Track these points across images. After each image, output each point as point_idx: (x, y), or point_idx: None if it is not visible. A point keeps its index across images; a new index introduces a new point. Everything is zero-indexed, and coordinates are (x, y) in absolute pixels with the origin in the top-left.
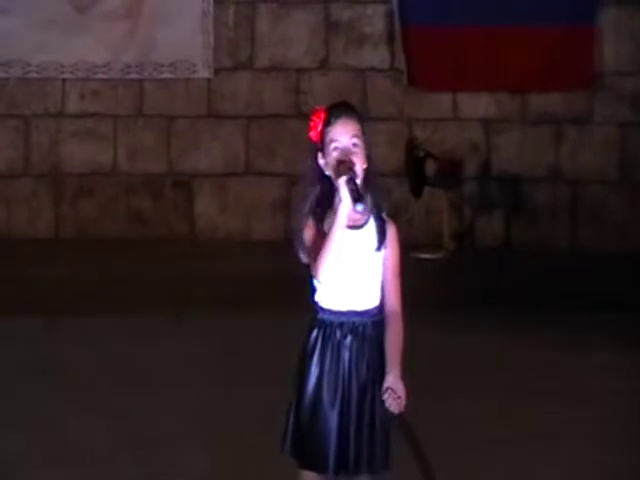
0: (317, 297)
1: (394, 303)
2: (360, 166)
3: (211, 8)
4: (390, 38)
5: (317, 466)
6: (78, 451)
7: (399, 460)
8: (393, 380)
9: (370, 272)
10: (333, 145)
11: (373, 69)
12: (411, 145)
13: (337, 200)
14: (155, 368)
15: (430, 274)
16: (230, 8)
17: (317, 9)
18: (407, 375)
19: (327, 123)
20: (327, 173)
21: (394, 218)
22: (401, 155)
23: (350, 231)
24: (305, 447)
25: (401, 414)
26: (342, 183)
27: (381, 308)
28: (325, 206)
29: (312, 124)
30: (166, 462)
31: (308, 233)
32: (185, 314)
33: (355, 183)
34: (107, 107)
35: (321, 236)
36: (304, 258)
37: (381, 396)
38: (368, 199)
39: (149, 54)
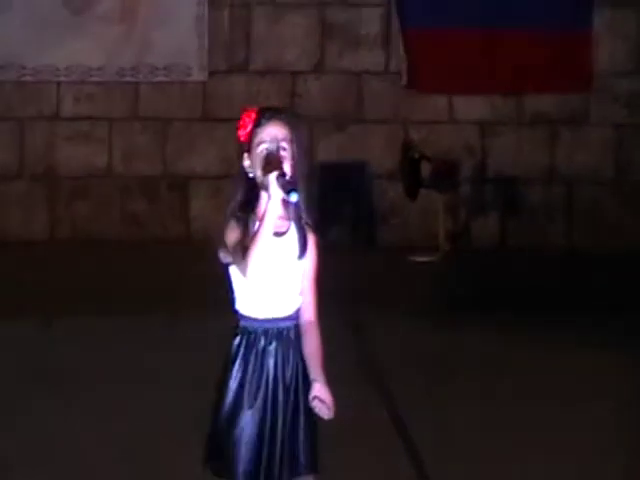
0: (238, 305)
1: (310, 312)
2: (288, 170)
3: (206, 11)
4: (385, 41)
5: (230, 474)
6: (76, 453)
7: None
8: (320, 387)
9: (292, 279)
10: (262, 146)
11: (368, 72)
12: (406, 147)
13: (266, 199)
14: (152, 370)
15: (426, 276)
16: (225, 11)
17: (312, 12)
18: (402, 378)
19: (257, 124)
20: (251, 175)
21: (313, 228)
22: (396, 157)
23: (274, 238)
24: (221, 454)
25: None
26: (272, 179)
27: (299, 313)
28: (249, 208)
29: (242, 123)
30: (165, 463)
31: (231, 233)
32: (180, 315)
33: (286, 179)
34: (102, 110)
35: (247, 237)
36: (224, 258)
37: (309, 401)
38: (298, 189)
39: (144, 57)
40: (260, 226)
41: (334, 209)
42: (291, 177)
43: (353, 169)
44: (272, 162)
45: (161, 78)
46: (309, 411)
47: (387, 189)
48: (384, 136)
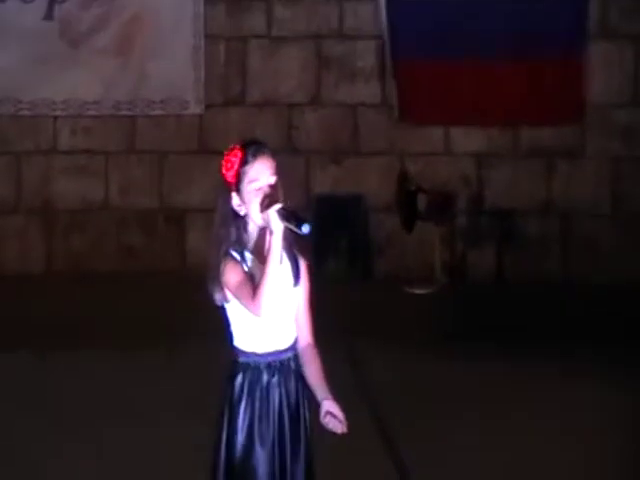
0: (237, 342)
1: (308, 335)
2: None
3: (202, 44)
4: (381, 73)
5: None
6: None
7: None
8: (330, 404)
9: (289, 309)
10: (253, 185)
11: (364, 104)
12: (403, 179)
13: (261, 237)
14: (149, 402)
15: (423, 308)
16: (221, 44)
17: (308, 44)
18: (398, 409)
19: (244, 162)
20: (242, 213)
21: (303, 253)
22: (393, 189)
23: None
24: None
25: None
26: (274, 214)
27: (297, 342)
28: (242, 246)
29: (228, 164)
30: None
31: (233, 273)
32: (178, 348)
33: (288, 210)
34: (99, 143)
35: (249, 275)
36: (220, 301)
37: (310, 424)
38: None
39: (141, 90)
40: (267, 263)
41: (330, 241)
42: (290, 207)
43: (349, 201)
44: (270, 197)
45: (158, 111)
46: (308, 439)
47: (383, 221)
48: (380, 168)
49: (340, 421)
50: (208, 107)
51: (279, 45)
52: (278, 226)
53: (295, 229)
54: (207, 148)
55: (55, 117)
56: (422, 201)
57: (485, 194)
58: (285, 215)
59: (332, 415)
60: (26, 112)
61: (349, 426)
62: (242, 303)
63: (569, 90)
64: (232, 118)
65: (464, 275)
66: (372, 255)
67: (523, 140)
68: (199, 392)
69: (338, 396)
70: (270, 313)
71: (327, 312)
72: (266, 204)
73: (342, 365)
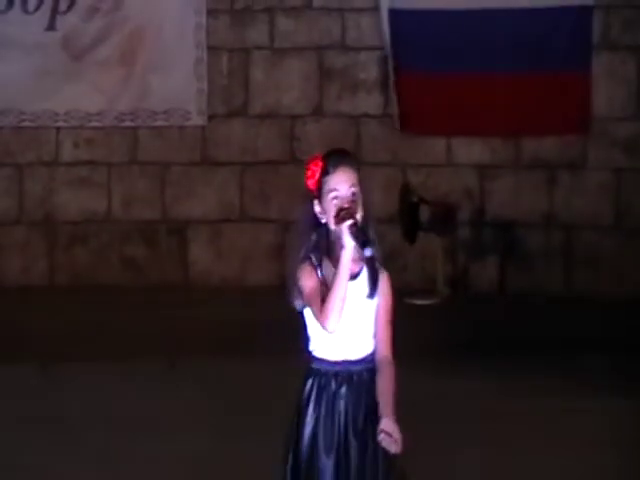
0: (311, 346)
1: (386, 350)
2: (360, 215)
3: (205, 55)
4: (384, 84)
5: None
6: None
7: None
8: (387, 422)
9: (364, 321)
10: (332, 194)
11: (367, 115)
12: (405, 190)
13: (338, 247)
14: (151, 416)
15: (424, 320)
16: (224, 55)
17: (311, 56)
18: (403, 422)
19: (325, 172)
20: (323, 221)
21: (386, 266)
22: (395, 200)
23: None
24: None
25: (397, 455)
26: (345, 229)
27: (374, 355)
28: (321, 253)
29: (309, 173)
30: None
31: (308, 280)
32: (180, 361)
33: (359, 228)
34: (101, 155)
35: (320, 283)
36: (299, 306)
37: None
38: (374, 242)
39: (143, 102)
40: (336, 278)
41: None
42: (363, 226)
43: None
44: (343, 213)
45: (160, 123)
46: (386, 455)
47: (385, 232)
48: (382, 179)
49: (395, 441)
50: (211, 118)
51: (282, 56)
52: (349, 242)
53: (359, 250)
54: (210, 159)
55: (57, 129)
56: (424, 213)
57: (487, 206)
58: (354, 232)
59: (387, 434)
60: (28, 124)
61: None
62: (312, 312)
63: (573, 101)
64: (235, 129)
65: (466, 287)
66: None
67: (525, 152)
68: (200, 406)
69: None
70: (339, 328)
71: None
72: (340, 218)
73: None
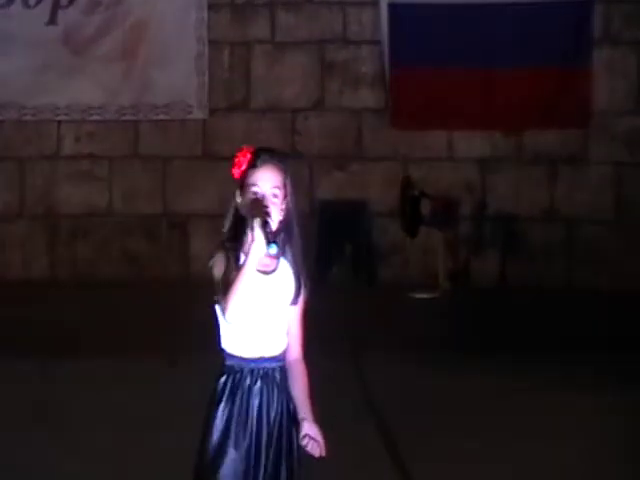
0: (224, 344)
1: (297, 350)
2: (276, 217)
3: (206, 50)
4: (384, 79)
5: None
6: None
7: None
8: (309, 426)
9: (280, 319)
10: (253, 189)
11: (368, 109)
12: (406, 185)
13: (249, 239)
14: (150, 412)
15: (426, 314)
16: (225, 49)
17: (312, 50)
18: (402, 416)
19: (252, 165)
20: (241, 212)
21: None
22: (396, 195)
23: (260, 276)
24: None
25: (322, 458)
26: (256, 224)
27: (285, 354)
28: (238, 244)
29: (236, 162)
30: None
31: (218, 266)
32: (181, 356)
33: (269, 225)
34: (102, 149)
35: (232, 273)
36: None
37: (297, 441)
38: (280, 241)
39: (144, 95)
40: (241, 268)
41: (334, 247)
42: (276, 227)
43: (353, 207)
44: (257, 207)
45: (161, 116)
46: (290, 454)
47: (387, 227)
48: (384, 174)
49: (319, 445)
50: (212, 112)
51: (283, 51)
52: (259, 236)
53: (265, 247)
54: (211, 153)
55: (59, 122)
56: (426, 207)
57: (488, 200)
58: (262, 227)
59: (310, 437)
60: (30, 118)
61: (323, 443)
62: (217, 301)
63: (574, 95)
64: (236, 123)
65: (467, 281)
66: (376, 261)
67: (526, 146)
68: (201, 400)
69: (341, 402)
70: (238, 318)
71: (331, 317)
72: (253, 211)
73: (345, 371)
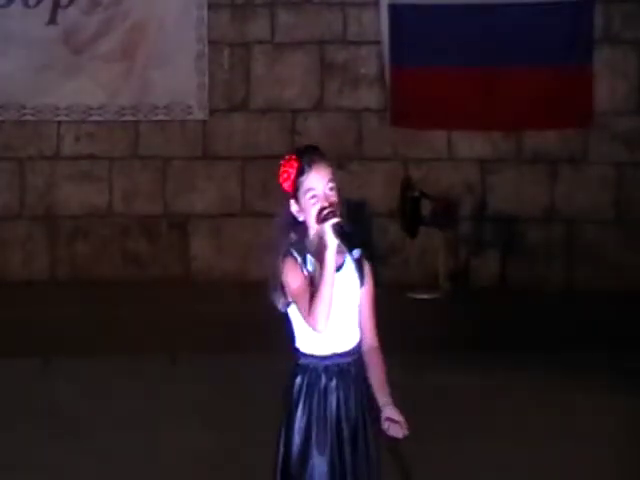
0: (298, 343)
1: (372, 338)
2: (338, 206)
3: (206, 50)
4: (384, 79)
5: None
6: None
7: None
8: (390, 410)
9: (350, 312)
10: (311, 193)
11: (368, 109)
12: (406, 185)
13: (321, 246)
14: (151, 411)
15: (426, 314)
16: (225, 50)
17: (312, 50)
18: (404, 415)
19: (301, 172)
20: (301, 219)
21: (365, 255)
22: (396, 195)
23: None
24: None
25: (399, 440)
26: (329, 228)
27: (360, 345)
28: (302, 250)
29: (285, 175)
30: None
31: (294, 276)
32: (181, 356)
33: (344, 230)
34: (102, 149)
35: (305, 279)
36: (282, 304)
37: (374, 433)
38: (358, 241)
39: (144, 96)
40: (322, 278)
41: None
42: (344, 224)
43: (353, 207)
44: (326, 212)
45: (161, 117)
46: (373, 447)
47: (387, 227)
48: (384, 174)
49: (401, 426)
50: (212, 113)
51: (283, 51)
52: (332, 241)
53: (346, 250)
54: (211, 154)
55: (59, 123)
56: (425, 207)
57: (488, 200)
58: (339, 232)
59: (392, 421)
60: (30, 118)
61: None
62: (299, 312)
63: (575, 95)
64: (236, 124)
65: (467, 281)
66: (375, 261)
67: (526, 146)
68: (202, 400)
69: None
70: (327, 328)
71: None
72: (322, 217)
73: None
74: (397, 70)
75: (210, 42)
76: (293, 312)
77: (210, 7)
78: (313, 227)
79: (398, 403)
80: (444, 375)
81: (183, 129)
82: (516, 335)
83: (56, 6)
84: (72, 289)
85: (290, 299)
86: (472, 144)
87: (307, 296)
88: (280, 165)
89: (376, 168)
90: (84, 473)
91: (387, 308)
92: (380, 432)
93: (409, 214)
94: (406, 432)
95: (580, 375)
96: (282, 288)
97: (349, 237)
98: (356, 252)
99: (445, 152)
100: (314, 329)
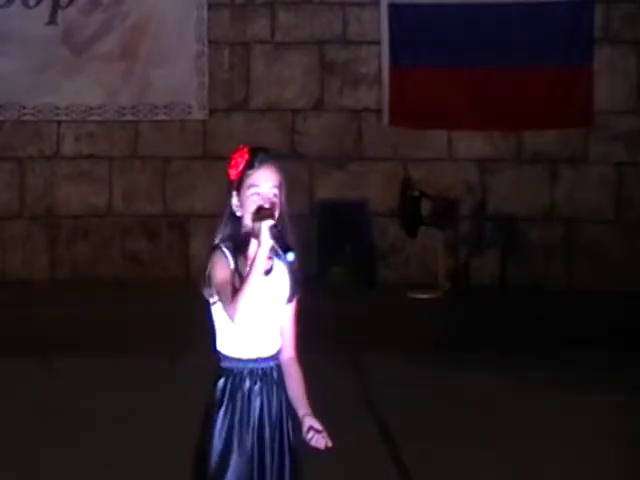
0: (220, 346)
1: (291, 348)
2: (276, 217)
3: (206, 50)
4: (385, 79)
5: None
6: None
7: None
8: (311, 420)
9: (276, 318)
10: (252, 190)
11: (368, 109)
12: (406, 185)
13: (252, 243)
14: (152, 410)
15: (425, 314)
16: (225, 49)
17: (312, 50)
18: (401, 416)
19: (250, 166)
20: (238, 214)
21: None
22: (396, 195)
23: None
24: None
25: (329, 448)
26: (265, 228)
27: (280, 351)
28: (235, 245)
29: (233, 162)
30: None
31: (220, 269)
32: (180, 355)
33: (280, 232)
34: (102, 149)
35: (232, 273)
36: (208, 294)
37: (294, 436)
38: (294, 246)
39: (144, 96)
40: (250, 272)
41: (334, 247)
42: (282, 227)
43: (353, 207)
44: (264, 211)
45: (161, 117)
46: (294, 451)
47: (387, 227)
48: (384, 174)
49: (323, 436)
50: (212, 112)
51: (283, 51)
52: (267, 241)
53: (280, 252)
54: (211, 153)
55: (59, 123)
56: (425, 207)
57: (488, 200)
58: (275, 235)
59: (314, 430)
60: (30, 118)
61: (332, 438)
62: (221, 302)
63: (575, 95)
64: (236, 123)
65: (467, 281)
66: (376, 261)
67: (526, 146)
68: (201, 399)
69: (341, 402)
70: (246, 321)
71: (330, 317)
72: (259, 216)
73: (345, 371)
74: (397, 70)
75: (210, 42)
76: (217, 312)
77: (210, 7)
78: (247, 224)
79: (398, 403)
80: (443, 375)
81: (183, 129)
82: (516, 335)
83: (56, 6)
84: (72, 289)
85: (215, 291)
86: (472, 144)
87: (230, 288)
88: (232, 153)
89: (376, 168)
90: (84, 473)
91: (387, 308)
92: (302, 442)
93: (409, 214)
94: (329, 443)
95: (580, 375)
96: (209, 279)
97: (283, 240)
98: (290, 256)
99: (445, 152)
100: (232, 319)
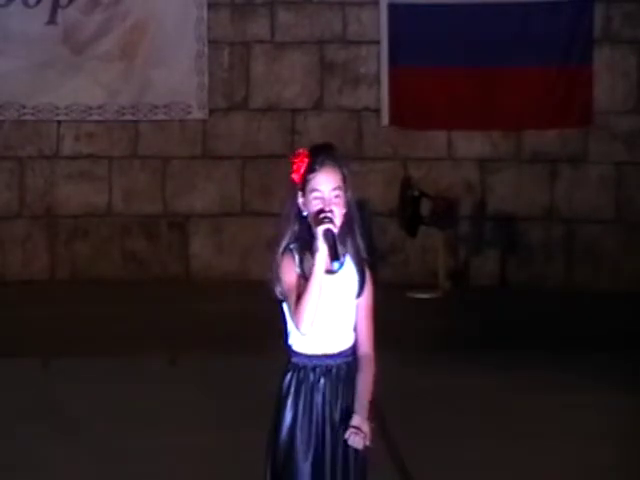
0: (290, 341)
1: (367, 345)
2: (339, 214)
3: (206, 49)
4: (385, 78)
5: None
6: None
7: None
8: (359, 420)
9: (345, 316)
10: (314, 194)
11: (368, 109)
12: (406, 184)
13: (315, 244)
14: (151, 410)
15: (426, 314)
16: (225, 49)
17: (312, 50)
18: (400, 415)
19: (310, 170)
20: (305, 213)
21: (367, 261)
22: (396, 194)
23: (325, 276)
24: None
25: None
26: (320, 234)
27: (354, 349)
28: (302, 245)
29: (295, 167)
30: None
31: (287, 273)
32: (181, 355)
33: (333, 238)
34: (102, 149)
35: (298, 277)
36: (279, 295)
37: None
38: (344, 253)
39: (144, 95)
40: (310, 282)
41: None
42: (345, 217)
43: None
44: (323, 216)
45: (161, 116)
46: (359, 457)
47: (387, 226)
48: (384, 174)
49: (362, 437)
50: (212, 112)
51: (282, 50)
52: (322, 246)
53: (328, 262)
54: (211, 153)
55: (58, 122)
56: (425, 207)
57: (488, 200)
58: (328, 240)
59: (357, 430)
60: (29, 117)
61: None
62: (288, 308)
63: (575, 95)
64: (235, 123)
65: (467, 280)
66: (375, 260)
67: (526, 146)
68: (201, 399)
69: None
70: (311, 330)
71: None
72: (318, 219)
73: None
74: (396, 70)
75: (210, 41)
76: (286, 310)
77: (210, 7)
78: (313, 225)
79: (398, 403)
80: (444, 374)
81: (183, 129)
82: (516, 335)
83: (56, 6)
84: (72, 289)
85: (283, 295)
86: (472, 144)
87: (295, 295)
88: (291, 158)
89: (376, 168)
90: (84, 473)
91: (387, 308)
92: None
93: (409, 214)
94: (367, 444)
95: (580, 375)
96: (279, 282)
97: (334, 247)
98: (336, 264)
99: (445, 152)
100: (297, 328)
